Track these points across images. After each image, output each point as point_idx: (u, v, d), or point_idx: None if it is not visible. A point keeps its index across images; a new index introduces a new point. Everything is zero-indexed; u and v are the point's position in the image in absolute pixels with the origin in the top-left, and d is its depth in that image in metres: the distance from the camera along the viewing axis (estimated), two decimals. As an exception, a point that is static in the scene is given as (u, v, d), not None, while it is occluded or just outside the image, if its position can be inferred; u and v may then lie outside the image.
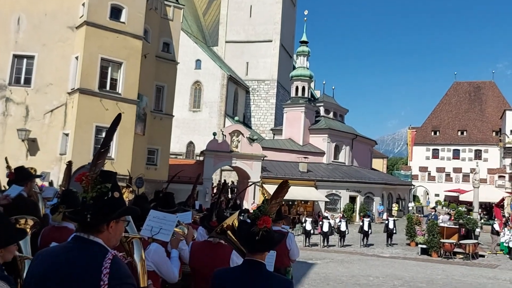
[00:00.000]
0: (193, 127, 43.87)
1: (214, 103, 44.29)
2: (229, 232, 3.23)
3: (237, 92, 47.48)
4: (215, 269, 2.78)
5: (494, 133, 58.57)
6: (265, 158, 31.81)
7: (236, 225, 3.19)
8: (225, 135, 31.21)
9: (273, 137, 43.75)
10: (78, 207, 2.07)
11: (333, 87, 47.96)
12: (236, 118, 42.25)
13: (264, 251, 2.59)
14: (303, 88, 41.02)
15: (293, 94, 41.55)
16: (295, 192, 27.97)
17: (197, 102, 45.15)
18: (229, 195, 32.59)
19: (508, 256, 18.23)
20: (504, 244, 19.02)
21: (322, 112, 42.07)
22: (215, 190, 32.58)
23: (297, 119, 39.25)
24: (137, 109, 20.47)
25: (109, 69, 19.36)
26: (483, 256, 18.35)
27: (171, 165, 27.19)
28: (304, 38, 43.62)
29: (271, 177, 30.72)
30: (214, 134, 33.01)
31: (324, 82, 46.73)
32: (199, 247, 3.82)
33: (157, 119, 25.44)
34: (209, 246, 3.67)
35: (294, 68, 46.40)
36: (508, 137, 46.43)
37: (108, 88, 19.29)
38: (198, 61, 45.19)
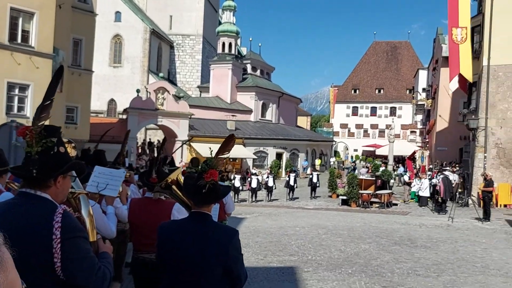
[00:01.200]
0: (114, 84, 41.79)
1: (136, 59, 42.33)
2: (174, 186, 3.20)
3: (160, 47, 45.67)
4: (158, 224, 2.76)
5: (408, 91, 62.80)
6: (192, 116, 31.42)
7: (181, 180, 3.15)
8: (150, 92, 30.19)
9: (200, 94, 43.13)
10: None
11: (259, 44, 48.03)
12: (161, 74, 40.87)
13: (210, 203, 2.61)
14: (230, 44, 40.43)
15: (219, 50, 40.84)
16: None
17: (117, 57, 42.83)
18: (155, 154, 32.01)
19: (418, 203, 20.09)
20: (415, 193, 20.90)
21: (249, 70, 42.02)
22: (139, 150, 31.78)
23: (224, 77, 38.88)
24: (53, 64, 18.91)
25: (20, 20, 17.51)
26: (396, 204, 20.04)
27: (92, 123, 25.87)
28: (229, -9, 42.56)
29: (199, 135, 30.54)
30: (138, 91, 31.73)
31: (250, 39, 46.61)
32: (138, 203, 3.75)
33: (75, 75, 23.80)
34: (149, 202, 3.62)
35: (220, 23, 45.38)
36: (420, 94, 49.99)
37: (19, 40, 17.53)
38: (118, 13, 42.51)
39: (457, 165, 27.72)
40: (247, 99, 39.01)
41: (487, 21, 20.03)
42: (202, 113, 34.53)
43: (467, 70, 20.61)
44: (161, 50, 45.64)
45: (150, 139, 37.52)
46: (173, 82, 44.66)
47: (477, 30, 21.84)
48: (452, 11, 20.95)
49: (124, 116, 31.32)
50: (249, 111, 38.80)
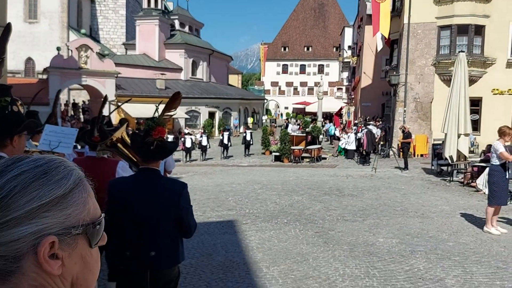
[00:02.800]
0: (31, 42, 38.49)
1: (54, 14, 39.07)
2: (119, 144, 3.20)
3: (80, 2, 42.47)
4: (103, 182, 2.79)
5: (334, 49, 64.57)
6: (119, 75, 30.10)
7: (126, 138, 3.17)
8: (71, 50, 28.35)
9: (126, 52, 41.22)
10: None
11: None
12: (83, 31, 38.21)
13: (158, 160, 2.69)
14: (156, -1, 38.63)
15: (145, 5, 38.89)
16: (153, 110, 27.51)
17: (33, 12, 39.23)
18: (81, 115, 30.58)
19: (345, 157, 21.32)
20: (341, 147, 22.11)
21: (177, 26, 40.63)
22: (66, 112, 30.10)
23: (151, 33, 37.31)
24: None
25: None
26: (325, 158, 21.12)
27: (9, 84, 23.93)
28: None
29: (126, 95, 29.45)
30: (58, 49, 29.60)
31: (177, -6, 44.50)
32: (82, 163, 3.69)
33: (-15, 31, 21.60)
34: (93, 161, 3.58)
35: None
36: (346, 52, 51.66)
37: None
38: (29, -38, 38.54)
39: (379, 119, 29.52)
40: (176, 57, 37.96)
41: (408, -20, 20.94)
42: (129, 72, 33.20)
43: (386, 28, 21.63)
44: (81, 5, 42.45)
45: (74, 100, 35.56)
46: (96, 39, 42.01)
47: (399, -11, 22.79)
48: (376, -30, 21.62)
49: (45, 76, 29.28)
50: (179, 69, 37.89)
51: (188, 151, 22.22)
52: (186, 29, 41.71)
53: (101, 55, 30.39)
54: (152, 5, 38.32)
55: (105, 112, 3.67)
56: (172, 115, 2.71)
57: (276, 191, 11.58)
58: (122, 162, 3.41)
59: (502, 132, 7.43)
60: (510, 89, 19.50)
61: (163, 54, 37.85)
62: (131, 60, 36.11)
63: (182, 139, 23.54)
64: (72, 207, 0.74)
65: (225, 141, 22.63)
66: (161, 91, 31.91)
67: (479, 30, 20.08)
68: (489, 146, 10.57)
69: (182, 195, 2.63)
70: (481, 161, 12.19)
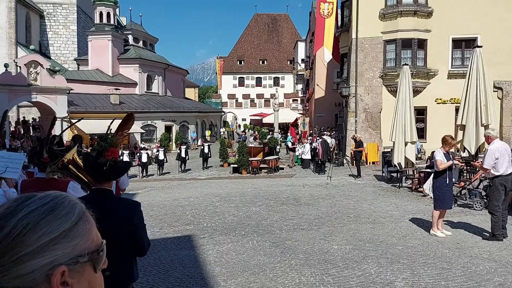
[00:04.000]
0: (-25, 58, 36.69)
1: (2, 30, 37.52)
2: (70, 166, 3.21)
3: (29, 17, 41.01)
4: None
5: (289, 62, 65.93)
6: (71, 91, 29.29)
7: (77, 159, 3.19)
8: (20, 67, 27.32)
9: (78, 68, 40.12)
10: None
11: (140, 15, 45.86)
12: (32, 47, 36.92)
13: (111, 180, 2.75)
14: (108, 14, 38.04)
15: (97, 20, 38.19)
16: (106, 125, 26.95)
17: (-23, 27, 37.50)
18: (31, 133, 29.41)
19: (301, 166, 21.76)
20: (298, 157, 22.56)
21: (131, 41, 40.19)
22: (17, 130, 28.83)
23: (104, 48, 36.67)
24: None
25: None
26: (282, 168, 21.46)
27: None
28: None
29: (80, 111, 28.74)
30: (6, 65, 28.38)
31: (130, 9, 44.05)
32: (31, 184, 3.66)
33: None
34: (42, 183, 3.56)
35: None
36: (300, 65, 52.86)
37: None
38: (-29, -24, 36.90)
39: (333, 129, 30.38)
40: (131, 72, 37.47)
41: (354, -4, 21.91)
42: (82, 88, 32.37)
43: (329, 43, 22.47)
44: (30, 20, 40.99)
45: (24, 117, 34.15)
46: (46, 55, 40.63)
47: (346, 5, 23.76)
48: (322, -14, 22.49)
49: (-10, 94, 27.96)
50: (133, 84, 37.38)
51: (144, 166, 21.90)
52: (140, 44, 41.33)
53: (52, 71, 29.46)
54: (105, 20, 37.70)
55: (57, 129, 3.67)
56: (125, 136, 2.79)
57: (234, 203, 11.68)
58: (73, 182, 3.42)
59: (444, 141, 7.96)
60: (452, 98, 20.70)
61: (117, 69, 37.24)
62: (83, 75, 35.25)
63: (138, 154, 23.19)
64: (78, 238, 0.83)
65: (183, 155, 22.47)
66: (116, 106, 31.32)
67: (422, 43, 21.28)
68: (433, 153, 11.20)
69: (136, 214, 2.70)
70: (427, 167, 12.86)
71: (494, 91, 20.45)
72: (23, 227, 0.78)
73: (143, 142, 30.81)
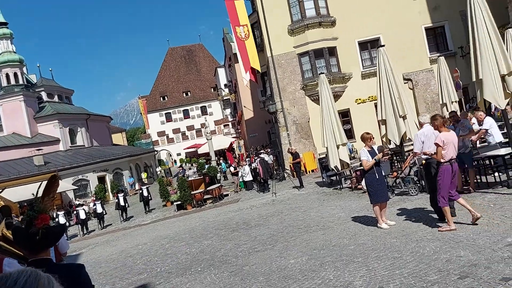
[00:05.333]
0: None
1: None
2: (1, 242, 2.99)
3: None
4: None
5: (212, 89, 66.45)
6: (-12, 161, 27.30)
7: (7, 233, 2.97)
8: None
9: (-9, 135, 37.54)
10: None
11: (50, 69, 44.29)
12: None
13: (48, 248, 2.60)
14: (15, 74, 36.24)
15: (4, 83, 36.19)
16: (34, 190, 25.39)
17: None
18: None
19: (245, 189, 21.81)
20: (240, 180, 22.60)
21: (45, 97, 38.50)
22: None
23: (17, 110, 34.75)
24: None
25: None
26: (227, 195, 21.37)
27: None
28: (0, 18, 37.82)
29: (2, 180, 26.81)
30: None
31: (38, 65, 42.37)
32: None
33: None
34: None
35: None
36: (223, 91, 53.43)
37: None
38: None
39: (268, 146, 30.88)
40: (51, 129, 35.74)
41: (261, 17, 22.77)
42: (1, 155, 30.29)
43: (256, 62, 23.12)
44: None
45: None
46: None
47: (256, 26, 24.57)
48: (231, 12, 23.13)
49: None
50: (56, 141, 35.61)
51: (83, 223, 20.79)
52: (56, 98, 39.71)
53: (-39, 144, 27.34)
54: (12, 81, 35.80)
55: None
56: (53, 199, 2.66)
57: (184, 241, 11.42)
58: (7, 259, 3.18)
59: (363, 139, 8.41)
60: (370, 97, 22.00)
61: (35, 129, 35.34)
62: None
63: (75, 212, 21.99)
64: None
65: (122, 203, 21.64)
66: (41, 167, 29.59)
67: (332, 51, 22.51)
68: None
69: (81, 278, 2.57)
70: (360, 165, 13.44)
71: (405, 83, 22.06)
72: None
73: (77, 199, 29.28)
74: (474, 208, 7.20)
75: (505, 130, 9.33)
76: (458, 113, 11.78)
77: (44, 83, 39.57)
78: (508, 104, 10.98)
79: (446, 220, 7.05)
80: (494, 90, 8.12)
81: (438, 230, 7.05)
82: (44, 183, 2.94)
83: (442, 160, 6.96)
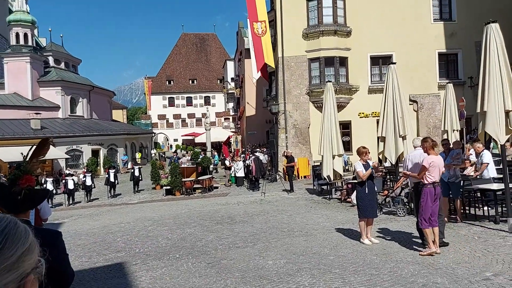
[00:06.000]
0: None
1: None
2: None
3: None
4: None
5: (218, 81, 66.36)
6: (-15, 117, 27.18)
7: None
8: None
9: (-7, 92, 37.36)
10: None
11: (61, 35, 44.07)
12: None
13: (28, 210, 2.57)
14: (25, 35, 36.04)
15: (13, 42, 35.99)
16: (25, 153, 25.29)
17: None
18: None
19: (235, 184, 21.81)
20: (232, 175, 22.59)
21: (51, 63, 38.30)
22: None
23: (22, 71, 34.57)
24: None
25: None
26: (217, 188, 21.37)
27: None
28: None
29: (-4, 138, 26.72)
30: None
31: (50, 30, 42.10)
32: None
33: None
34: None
35: (10, 12, 39.84)
36: (229, 84, 53.38)
37: None
38: None
39: (265, 146, 30.88)
40: (53, 95, 35.58)
41: (278, 17, 22.74)
42: (-1, 113, 30.20)
43: (270, 59, 23.08)
44: None
45: None
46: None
47: (271, 24, 24.52)
48: (250, 6, 23.07)
49: None
50: (56, 108, 35.48)
51: (70, 193, 20.76)
52: (62, 65, 39.53)
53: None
54: (22, 41, 35.61)
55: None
56: (41, 162, 2.63)
57: (168, 226, 11.40)
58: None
59: (359, 153, 8.42)
60: (373, 112, 22.00)
61: (37, 93, 35.19)
62: (0, 100, 32.87)
63: (63, 181, 21.94)
64: (34, 253, 1.02)
65: (112, 179, 21.63)
66: (37, 131, 29.47)
67: (343, 61, 22.50)
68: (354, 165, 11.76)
69: (56, 245, 2.55)
70: (353, 178, 13.46)
71: (410, 104, 22.07)
72: (2, 242, 0.95)
73: (68, 168, 29.19)
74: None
75: (501, 166, 9.34)
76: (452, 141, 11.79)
77: (53, 48, 39.37)
78: (508, 140, 11.01)
79: (427, 243, 7.09)
80: (497, 124, 8.13)
81: (419, 254, 7.06)
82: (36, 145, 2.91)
83: (425, 182, 7.11)
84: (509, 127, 8.25)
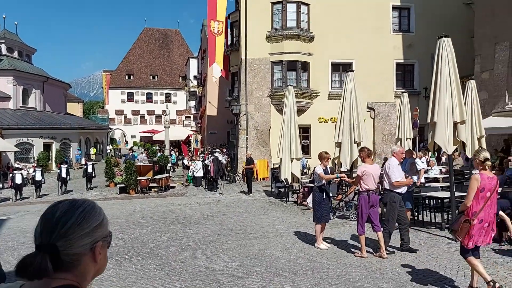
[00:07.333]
0: None
1: None
2: None
3: None
4: None
5: (180, 78, 65.48)
6: None
7: None
8: None
9: None
10: None
11: (15, 23, 41.91)
12: None
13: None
14: (-24, 19, 34.10)
15: (-38, 25, 33.99)
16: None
17: None
18: None
19: (193, 184, 21.55)
20: (190, 174, 22.31)
21: (4, 51, 36.41)
22: None
23: (-29, 57, 32.65)
24: None
25: None
26: (174, 187, 21.01)
27: None
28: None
29: None
30: None
31: (4, 16, 39.94)
32: None
33: None
34: None
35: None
36: (192, 82, 52.83)
37: None
38: None
39: (225, 146, 30.76)
40: (4, 84, 33.82)
41: (243, 18, 22.72)
42: None
43: (220, 61, 23.05)
44: None
45: None
46: None
47: (235, 25, 24.49)
48: (211, 4, 22.94)
49: None
50: (6, 98, 33.75)
51: (18, 188, 19.76)
52: (15, 54, 37.69)
53: None
54: (-29, 26, 33.67)
55: None
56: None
57: (119, 225, 11.09)
58: None
59: (321, 157, 8.52)
60: (332, 117, 22.37)
61: (-14, 81, 33.35)
62: None
63: (11, 175, 20.88)
64: (105, 226, 1.32)
65: (63, 175, 20.79)
66: (-16, 121, 27.92)
67: (305, 66, 22.77)
68: (314, 169, 11.91)
69: None
70: (310, 182, 13.63)
71: (367, 111, 22.65)
72: (82, 218, 1.26)
73: (17, 162, 27.84)
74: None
75: (448, 175, 9.73)
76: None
77: (6, 36, 37.41)
78: (456, 150, 11.49)
79: (361, 247, 7.48)
80: (445, 135, 8.46)
81: (354, 255, 7.38)
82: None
83: (360, 190, 7.48)
84: (457, 138, 8.61)
